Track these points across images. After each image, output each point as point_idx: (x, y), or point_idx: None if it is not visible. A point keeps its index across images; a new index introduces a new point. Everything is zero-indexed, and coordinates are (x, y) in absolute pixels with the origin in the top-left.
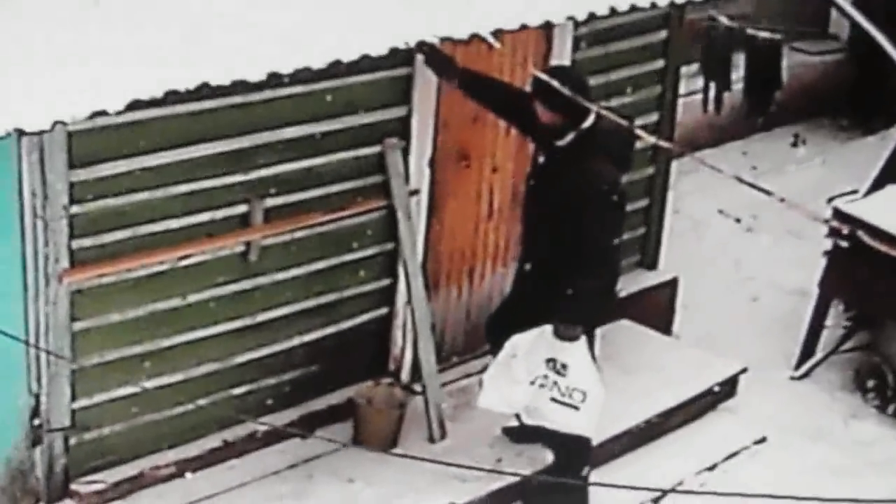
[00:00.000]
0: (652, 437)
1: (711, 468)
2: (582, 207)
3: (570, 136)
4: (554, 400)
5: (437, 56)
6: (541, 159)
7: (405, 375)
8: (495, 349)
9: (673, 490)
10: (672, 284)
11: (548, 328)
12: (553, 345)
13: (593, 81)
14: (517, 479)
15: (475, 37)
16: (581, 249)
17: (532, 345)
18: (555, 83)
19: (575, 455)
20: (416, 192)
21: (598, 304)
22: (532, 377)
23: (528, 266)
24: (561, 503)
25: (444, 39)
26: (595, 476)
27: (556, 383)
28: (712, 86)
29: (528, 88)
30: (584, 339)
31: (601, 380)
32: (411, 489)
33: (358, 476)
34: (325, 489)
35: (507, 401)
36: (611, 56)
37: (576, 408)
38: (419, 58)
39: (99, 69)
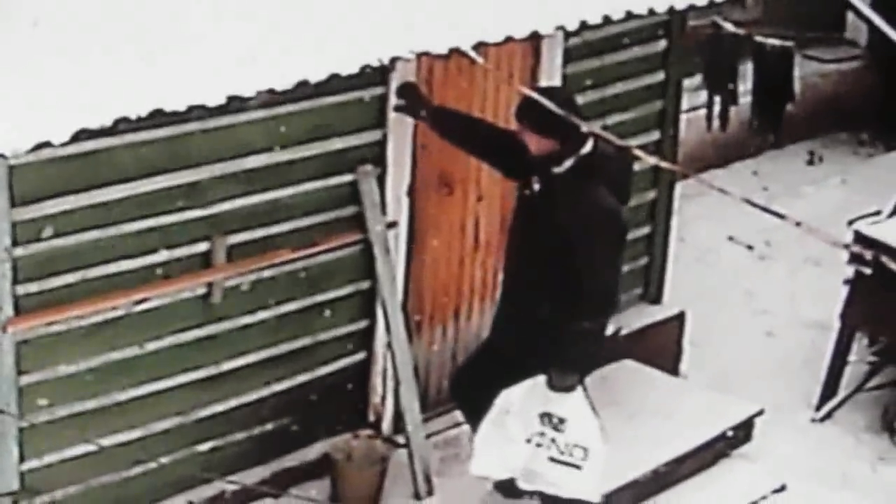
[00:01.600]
0: (661, 488)
1: None
2: (583, 242)
3: (567, 163)
4: (553, 460)
5: (409, 94)
6: (535, 187)
7: (387, 426)
8: (465, 408)
9: None
10: (679, 319)
11: (541, 379)
12: (548, 397)
13: (587, 97)
14: None
15: (455, 51)
16: (581, 289)
17: (525, 398)
18: (548, 103)
19: None
20: (393, 225)
21: (595, 349)
22: (527, 435)
23: (511, 309)
24: None
25: (421, 55)
26: None
27: (553, 440)
28: (717, 99)
29: (513, 113)
30: (580, 388)
31: (602, 433)
32: None
33: None
34: None
35: (502, 464)
36: (606, 69)
37: (577, 467)
38: (391, 103)
39: (41, 96)
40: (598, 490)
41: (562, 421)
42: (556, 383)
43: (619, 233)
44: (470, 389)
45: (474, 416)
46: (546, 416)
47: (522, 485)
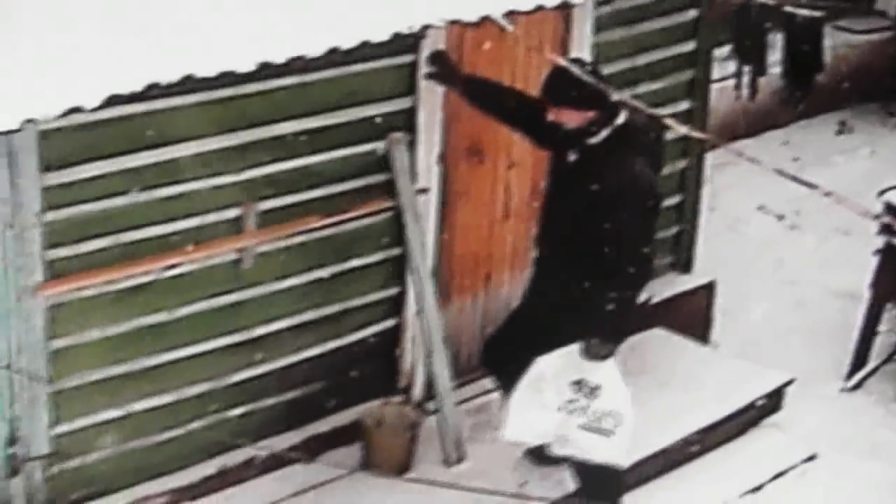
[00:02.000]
0: (690, 458)
1: (756, 490)
2: (620, 212)
3: (603, 134)
4: (583, 427)
5: (441, 62)
6: (571, 158)
7: (417, 393)
8: (498, 375)
9: None
10: (709, 288)
11: (575, 347)
12: (581, 365)
13: (617, 66)
14: None
15: (486, 19)
16: (615, 257)
17: (559, 366)
18: (583, 75)
19: (609, 485)
20: (424, 191)
21: (628, 317)
22: (560, 402)
23: (546, 278)
24: None
25: (452, 22)
26: (628, 502)
27: (586, 408)
28: (747, 69)
29: (543, 90)
30: (613, 356)
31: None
32: None
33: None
34: None
35: (535, 431)
36: (636, 38)
37: (608, 434)
38: (422, 71)
39: (73, 61)
40: (627, 456)
41: (595, 389)
42: (591, 351)
43: (653, 202)
44: (503, 357)
45: (507, 383)
46: (579, 384)
47: (554, 451)
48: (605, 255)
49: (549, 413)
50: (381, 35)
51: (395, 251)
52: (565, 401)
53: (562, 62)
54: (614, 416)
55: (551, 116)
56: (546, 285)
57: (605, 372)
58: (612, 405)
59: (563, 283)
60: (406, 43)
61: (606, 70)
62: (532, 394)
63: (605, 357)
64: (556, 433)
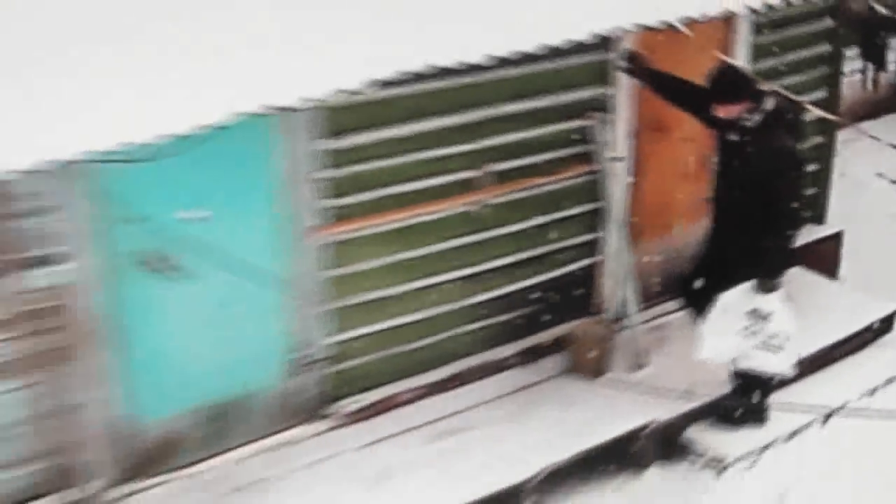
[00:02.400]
0: (819, 367)
1: (871, 393)
2: (775, 178)
3: (756, 118)
4: (759, 346)
5: (633, 59)
6: (733, 137)
7: (611, 314)
8: (694, 305)
9: (838, 409)
10: (837, 237)
11: (749, 284)
12: (754, 298)
13: (769, 63)
14: (709, 400)
15: (668, 26)
16: (778, 214)
17: (738, 299)
18: (740, 73)
19: (764, 389)
20: (619, 159)
21: (787, 258)
22: (740, 328)
23: (722, 231)
24: (747, 420)
25: (640, 28)
26: (775, 398)
27: (760, 331)
28: (870, 66)
29: (709, 90)
30: (779, 288)
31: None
32: (617, 411)
33: (571, 401)
34: (542, 412)
35: (722, 351)
36: (784, 41)
37: (777, 351)
38: (617, 65)
39: (340, 52)
40: (791, 366)
41: (767, 315)
42: (762, 287)
43: (799, 169)
44: (695, 293)
45: (698, 313)
46: (754, 312)
47: (737, 365)
48: (767, 211)
49: (732, 337)
50: (584, 36)
51: (595, 205)
52: (744, 326)
53: (723, 62)
54: (782, 336)
55: (715, 110)
56: (722, 236)
57: (773, 302)
58: (780, 328)
59: (735, 235)
60: (604, 42)
61: (760, 65)
62: (718, 322)
63: (772, 290)
64: (739, 352)
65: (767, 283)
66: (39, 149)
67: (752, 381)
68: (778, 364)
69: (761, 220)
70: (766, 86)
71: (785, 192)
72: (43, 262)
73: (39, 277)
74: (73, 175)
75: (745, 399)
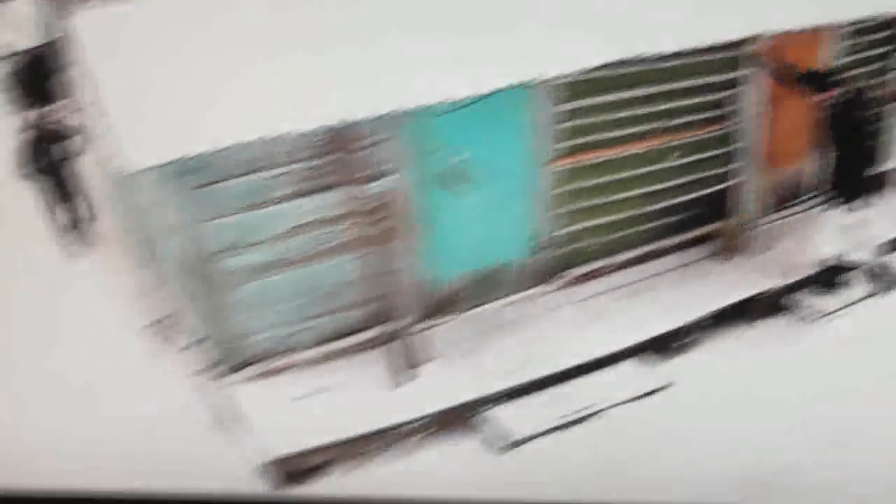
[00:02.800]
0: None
1: None
2: (855, 130)
3: (841, 98)
4: (852, 245)
5: (781, 65)
6: (828, 103)
7: (742, 218)
8: (842, 195)
9: None
10: None
11: (845, 201)
12: (849, 213)
13: (854, 57)
14: (807, 275)
15: (804, 30)
16: (859, 151)
17: (839, 213)
18: (823, 75)
19: (848, 271)
20: (756, 117)
21: (873, 183)
22: (844, 230)
23: (828, 161)
24: (835, 288)
25: (775, 32)
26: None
27: (853, 235)
28: None
29: (798, 84)
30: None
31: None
32: (749, 280)
33: (712, 276)
34: (693, 282)
35: (830, 250)
36: (865, 43)
37: (865, 247)
38: (763, 67)
39: (576, 42)
40: (873, 255)
41: (863, 223)
42: (854, 203)
43: (868, 126)
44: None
45: (847, 200)
46: (849, 222)
47: (845, 258)
48: (853, 150)
49: (839, 237)
50: (732, 37)
51: (735, 146)
52: (841, 230)
53: (807, 68)
54: (874, 239)
55: (813, 98)
56: (828, 164)
57: (865, 214)
58: (872, 233)
59: (837, 166)
60: (738, 42)
61: (848, 59)
62: (827, 230)
63: (861, 207)
64: (844, 248)
65: (859, 202)
66: (376, 102)
67: (841, 266)
68: (862, 256)
69: (851, 154)
70: (846, 75)
71: (863, 138)
72: (377, 176)
73: (374, 187)
74: (397, 120)
75: (834, 276)
